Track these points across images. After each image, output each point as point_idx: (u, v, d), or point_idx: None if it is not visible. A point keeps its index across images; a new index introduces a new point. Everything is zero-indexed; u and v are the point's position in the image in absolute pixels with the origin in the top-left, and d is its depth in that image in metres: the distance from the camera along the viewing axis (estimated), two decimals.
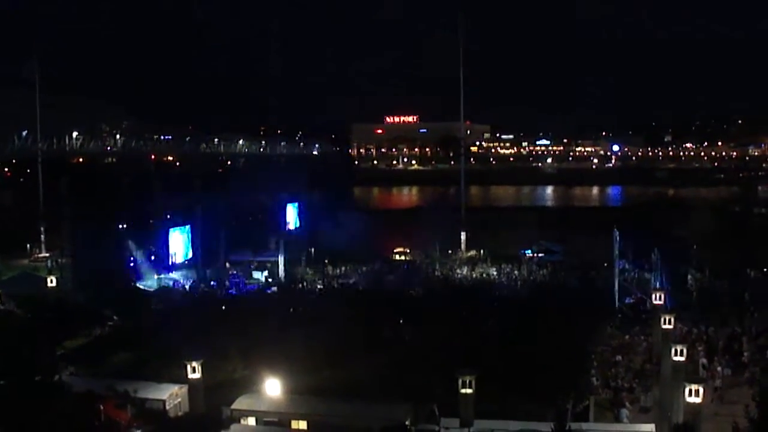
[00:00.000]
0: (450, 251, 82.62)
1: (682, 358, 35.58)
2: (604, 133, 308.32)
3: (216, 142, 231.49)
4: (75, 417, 28.23)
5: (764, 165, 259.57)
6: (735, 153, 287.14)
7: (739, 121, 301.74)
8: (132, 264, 70.60)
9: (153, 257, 71.91)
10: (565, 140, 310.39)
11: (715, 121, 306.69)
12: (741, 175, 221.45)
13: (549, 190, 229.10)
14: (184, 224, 74.39)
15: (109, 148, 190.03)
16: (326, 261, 76.27)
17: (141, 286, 67.20)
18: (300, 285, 69.19)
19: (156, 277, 69.17)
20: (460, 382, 31.78)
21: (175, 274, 71.03)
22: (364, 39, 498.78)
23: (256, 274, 72.51)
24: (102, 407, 30.45)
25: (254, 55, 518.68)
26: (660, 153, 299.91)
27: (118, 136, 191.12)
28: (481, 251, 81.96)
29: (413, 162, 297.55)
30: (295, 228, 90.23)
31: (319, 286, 69.28)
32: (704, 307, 54.93)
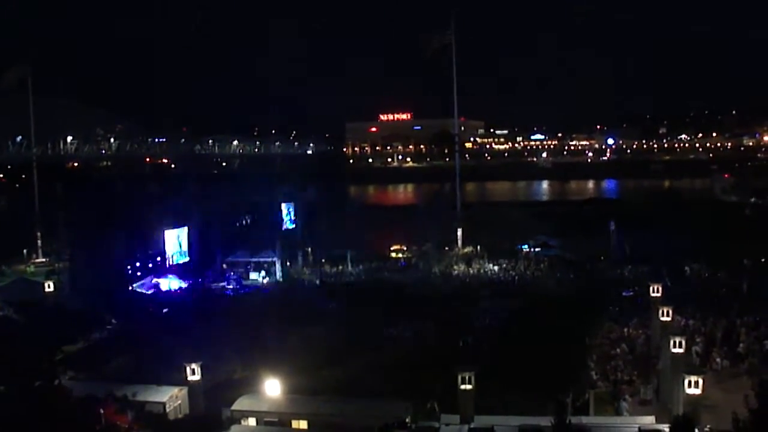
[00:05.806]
0: (447, 248, 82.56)
1: (681, 350, 35.61)
2: (598, 127, 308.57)
3: (210, 144, 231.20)
4: (75, 421, 28.20)
5: (759, 155, 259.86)
6: (730, 144, 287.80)
7: (733, 112, 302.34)
8: (129, 267, 70.38)
9: (149, 260, 71.69)
10: (559, 134, 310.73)
11: (709, 113, 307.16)
12: (749, 164, 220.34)
13: (545, 184, 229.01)
14: (180, 226, 74.22)
15: (103, 151, 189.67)
16: (323, 260, 76.32)
17: (138, 289, 67.09)
18: (297, 285, 69.12)
19: (154, 280, 69.01)
20: (459, 378, 31.81)
21: (171, 277, 70.87)
22: (357, 37, 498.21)
23: (254, 275, 72.53)
24: (102, 411, 30.42)
25: (248, 55, 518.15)
26: (655, 145, 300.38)
27: (112, 140, 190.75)
28: (478, 247, 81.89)
29: (408, 159, 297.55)
30: (291, 227, 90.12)
31: (317, 283, 69.44)
32: (702, 299, 54.98)
